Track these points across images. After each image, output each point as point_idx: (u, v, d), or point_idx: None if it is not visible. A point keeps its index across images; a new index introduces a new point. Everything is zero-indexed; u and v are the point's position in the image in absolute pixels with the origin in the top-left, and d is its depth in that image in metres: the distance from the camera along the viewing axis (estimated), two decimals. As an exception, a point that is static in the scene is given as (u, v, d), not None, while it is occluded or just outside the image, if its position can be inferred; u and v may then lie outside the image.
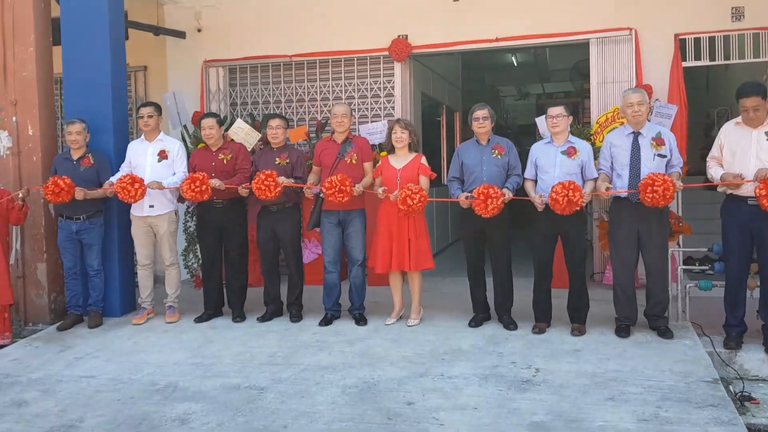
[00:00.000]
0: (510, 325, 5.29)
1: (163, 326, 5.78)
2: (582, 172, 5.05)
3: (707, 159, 5.05)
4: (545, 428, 3.62)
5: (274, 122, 5.79)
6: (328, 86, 7.65)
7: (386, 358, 4.76)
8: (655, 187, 4.66)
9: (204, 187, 5.45)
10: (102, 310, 5.87)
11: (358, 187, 5.34)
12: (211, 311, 6.01)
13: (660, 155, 4.93)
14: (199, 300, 6.28)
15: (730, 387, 4.52)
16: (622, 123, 6.49)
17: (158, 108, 5.97)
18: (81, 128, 5.62)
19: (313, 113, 7.67)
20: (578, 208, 4.84)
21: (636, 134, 4.99)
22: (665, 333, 4.96)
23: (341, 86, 7.62)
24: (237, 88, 7.91)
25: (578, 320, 5.11)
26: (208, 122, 5.86)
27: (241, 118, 7.53)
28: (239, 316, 5.93)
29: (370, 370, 4.53)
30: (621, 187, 4.96)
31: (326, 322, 5.56)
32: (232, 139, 6.83)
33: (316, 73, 7.70)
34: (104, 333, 5.64)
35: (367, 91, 7.55)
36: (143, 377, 4.58)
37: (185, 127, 7.28)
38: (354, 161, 5.48)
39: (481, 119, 5.25)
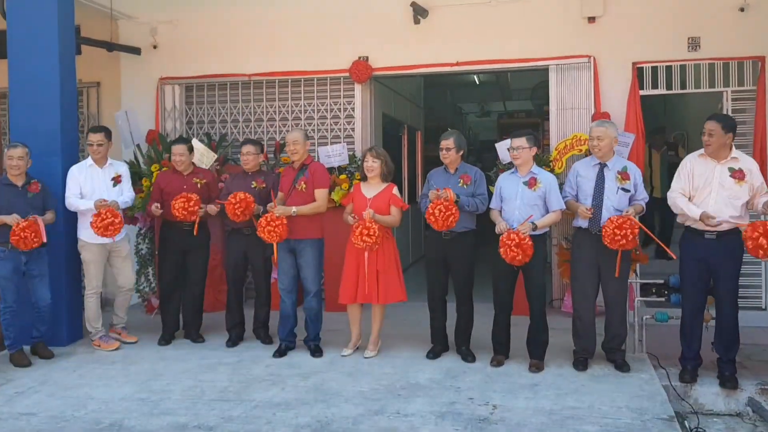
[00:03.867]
0: (468, 356, 5.21)
1: (111, 357, 5.57)
2: (545, 203, 5.00)
3: (670, 191, 5.00)
4: (502, 472, 3.55)
5: (245, 148, 5.72)
6: (287, 106, 7.52)
7: (341, 393, 4.63)
8: (624, 234, 4.65)
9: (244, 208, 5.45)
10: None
11: (286, 210, 5.24)
12: (170, 335, 5.92)
13: (624, 189, 4.92)
14: (149, 325, 6.12)
15: (686, 422, 4.52)
16: (581, 150, 6.55)
17: (109, 133, 5.79)
18: (24, 153, 5.33)
19: (272, 133, 7.52)
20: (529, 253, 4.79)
21: (602, 166, 4.98)
22: (622, 366, 4.95)
23: (300, 107, 7.49)
24: (193, 107, 7.73)
25: (536, 356, 5.06)
26: (178, 149, 5.82)
27: (197, 137, 7.37)
28: (200, 338, 5.92)
29: (324, 407, 4.40)
30: (583, 219, 4.94)
31: (280, 353, 5.42)
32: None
33: (274, 93, 7.56)
34: (48, 364, 5.40)
35: (326, 112, 7.44)
36: (87, 414, 4.37)
37: (138, 146, 7.08)
38: (303, 189, 5.35)
39: (444, 150, 5.19)
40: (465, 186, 5.16)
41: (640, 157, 6.63)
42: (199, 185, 5.75)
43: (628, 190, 4.92)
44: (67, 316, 5.83)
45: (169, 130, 7.56)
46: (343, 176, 6.82)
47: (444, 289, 5.35)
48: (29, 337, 5.52)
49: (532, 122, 12.27)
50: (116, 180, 5.65)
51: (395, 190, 5.32)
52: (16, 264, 5.30)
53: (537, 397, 4.49)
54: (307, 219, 5.36)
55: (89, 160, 5.68)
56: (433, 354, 5.30)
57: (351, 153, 7.03)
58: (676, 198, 4.88)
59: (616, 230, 4.67)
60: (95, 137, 5.65)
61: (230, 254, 5.82)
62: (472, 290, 5.32)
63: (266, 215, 5.25)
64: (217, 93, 7.69)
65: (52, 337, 5.66)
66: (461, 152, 5.20)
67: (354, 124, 7.38)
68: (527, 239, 4.74)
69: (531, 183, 4.97)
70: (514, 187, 5.05)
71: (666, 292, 5.43)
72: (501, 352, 5.17)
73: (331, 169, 6.88)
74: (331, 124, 7.44)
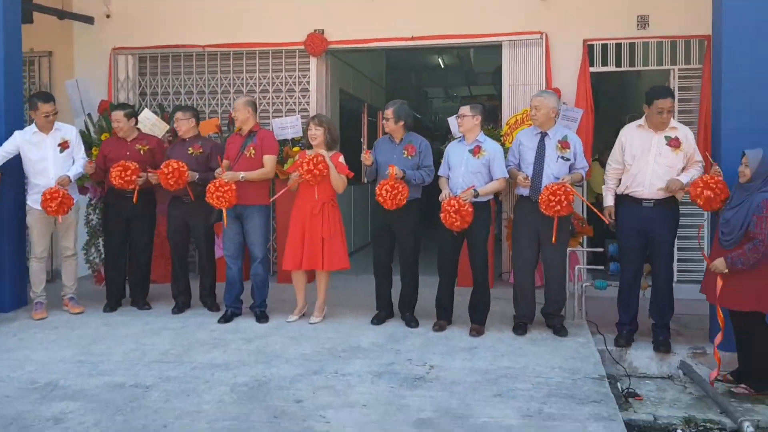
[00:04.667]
0: (411, 322, 5.28)
1: (54, 322, 5.53)
2: (489, 171, 5.06)
3: (608, 164, 5.15)
4: (431, 425, 3.61)
5: (179, 114, 5.70)
6: (242, 79, 7.48)
7: (282, 355, 4.67)
8: (558, 200, 4.74)
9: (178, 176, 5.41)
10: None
11: (234, 175, 5.25)
12: (114, 302, 5.90)
13: (563, 157, 5.01)
14: (99, 296, 6.08)
15: (618, 384, 4.64)
16: (531, 125, 6.62)
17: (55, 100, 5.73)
18: None
19: (226, 106, 7.48)
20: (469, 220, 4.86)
21: (543, 135, 5.06)
22: (560, 331, 5.05)
23: (255, 79, 7.46)
24: (147, 78, 7.65)
25: (477, 321, 5.14)
26: (116, 115, 5.81)
27: (150, 108, 7.30)
28: (146, 305, 5.91)
29: (264, 368, 4.44)
30: (524, 186, 5.02)
31: (225, 319, 5.43)
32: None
33: (229, 65, 7.52)
34: (-11, 329, 5.36)
35: (281, 85, 7.42)
36: (23, 375, 4.34)
37: (89, 115, 7.00)
38: (252, 155, 5.36)
39: (384, 119, 5.23)
40: (410, 157, 5.20)
41: (589, 131, 6.74)
42: (142, 152, 5.72)
43: (568, 159, 5.02)
44: (11, 281, 5.77)
45: (122, 101, 7.47)
46: (296, 148, 6.82)
47: (389, 257, 5.40)
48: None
49: (495, 104, 12.35)
50: (63, 146, 5.58)
51: (341, 158, 5.34)
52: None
53: (474, 359, 4.58)
54: (254, 185, 5.37)
55: (33, 127, 5.58)
56: (378, 320, 5.36)
57: (305, 126, 7.01)
58: (607, 175, 5.04)
59: (551, 196, 4.76)
60: (49, 107, 5.52)
61: (171, 222, 5.79)
62: (417, 258, 5.37)
63: (214, 181, 5.24)
64: (171, 64, 7.62)
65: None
66: (401, 123, 5.23)
67: (309, 97, 7.38)
68: (467, 206, 4.81)
69: (475, 151, 5.04)
70: (460, 155, 5.11)
71: (606, 261, 5.54)
72: (443, 317, 5.25)
73: (284, 141, 6.90)
74: (286, 98, 7.42)
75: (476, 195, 4.92)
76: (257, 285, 5.49)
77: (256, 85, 7.47)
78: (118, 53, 7.56)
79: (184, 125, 5.66)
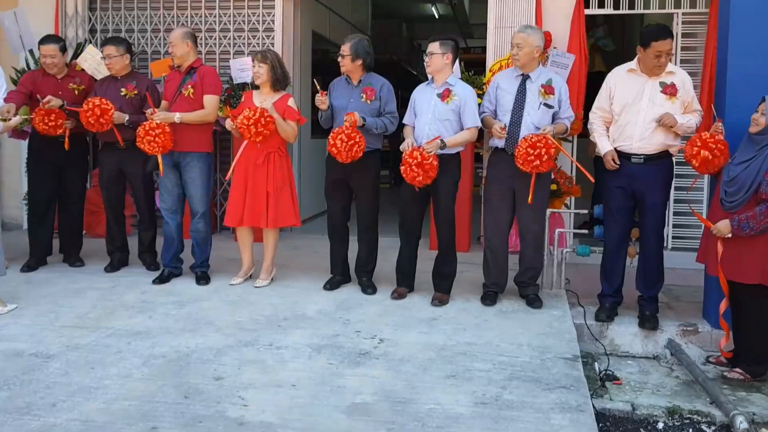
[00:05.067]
0: (368, 288, 4.70)
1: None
2: (460, 119, 4.42)
3: (592, 112, 4.49)
4: (365, 411, 3.05)
5: (110, 49, 5.01)
6: (200, 15, 6.78)
7: (215, 323, 4.10)
8: (537, 154, 4.10)
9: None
10: None
11: (168, 116, 4.65)
12: (36, 260, 5.28)
13: (546, 104, 4.35)
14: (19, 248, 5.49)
15: (596, 364, 4.07)
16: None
17: None
18: None
19: (183, 45, 6.78)
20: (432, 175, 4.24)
21: (524, 77, 4.40)
22: (533, 302, 4.47)
23: (215, 16, 6.76)
24: (97, 13, 6.95)
25: (442, 288, 4.55)
26: (48, 49, 5.11)
27: (100, 47, 6.63)
28: (78, 261, 5.34)
29: (190, 336, 3.87)
30: (500, 137, 4.37)
31: (161, 279, 4.85)
32: (82, 69, 6.00)
33: (187, 1, 6.81)
34: None
35: (243, 23, 6.72)
36: None
37: (30, 52, 6.32)
38: (191, 94, 4.71)
39: (339, 56, 4.57)
40: (369, 101, 4.54)
41: (582, 80, 6.05)
42: (76, 92, 5.09)
43: (551, 106, 4.36)
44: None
45: (70, 38, 6.79)
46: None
47: (345, 215, 4.79)
48: None
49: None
50: None
51: (291, 101, 4.70)
52: None
53: (432, 332, 4.00)
54: (193, 129, 4.74)
55: None
56: (330, 285, 4.77)
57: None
58: (594, 123, 4.37)
59: (529, 149, 4.12)
60: None
61: (104, 171, 5.18)
62: (376, 217, 4.76)
63: (145, 123, 4.61)
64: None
65: None
66: (359, 61, 4.56)
67: (274, 38, 6.68)
68: (431, 159, 4.18)
69: (444, 95, 4.38)
70: (427, 100, 4.46)
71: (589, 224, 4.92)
72: (403, 284, 4.66)
73: (244, 85, 6.24)
74: (248, 38, 6.72)
75: (443, 146, 4.28)
76: (197, 243, 4.89)
77: (215, 23, 6.76)
78: (65, -16, 6.85)
79: (118, 63, 5.01)
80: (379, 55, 11.14)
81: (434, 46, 4.39)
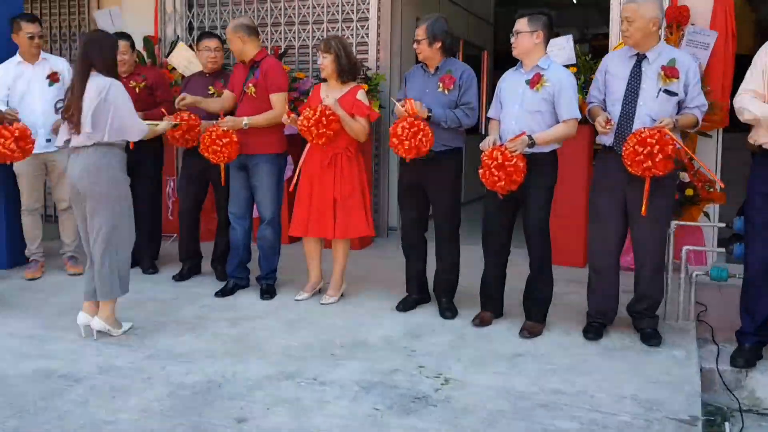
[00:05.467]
0: (447, 312, 4.02)
1: (43, 284, 4.84)
2: (554, 110, 3.63)
3: (739, 94, 3.48)
4: (401, 482, 2.41)
5: (204, 43, 4.75)
6: (294, 7, 6.37)
7: (262, 347, 3.61)
8: (648, 152, 3.24)
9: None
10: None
11: (235, 122, 4.21)
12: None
13: (668, 91, 3.45)
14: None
15: (726, 424, 3.15)
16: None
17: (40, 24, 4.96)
18: None
19: (276, 40, 6.43)
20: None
21: (640, 58, 3.54)
22: (650, 338, 3.58)
23: (308, 7, 6.32)
24: (194, 10, 6.76)
25: (534, 317, 3.78)
26: (123, 46, 4.82)
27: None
28: (151, 268, 5.08)
29: (230, 363, 3.40)
30: (604, 132, 3.53)
31: (224, 292, 4.45)
32: (173, 68, 5.82)
33: (281, -7, 6.45)
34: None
35: (337, 13, 6.24)
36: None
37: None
38: (253, 93, 4.27)
39: (414, 42, 3.92)
40: (446, 91, 3.86)
41: (728, 63, 4.99)
42: (137, 89, 4.83)
43: (675, 93, 3.45)
44: (6, 238, 5.13)
45: (169, 36, 6.68)
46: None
47: (421, 225, 4.15)
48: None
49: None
50: (52, 78, 4.81)
51: (361, 94, 4.13)
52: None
53: (511, 373, 3.27)
54: (260, 130, 4.28)
55: (17, 57, 4.84)
56: (404, 305, 4.14)
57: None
58: (743, 101, 3.37)
59: (637, 147, 3.26)
60: (33, 27, 4.79)
61: (184, 174, 4.92)
62: (457, 227, 4.08)
63: (211, 129, 4.23)
64: (217, -6, 6.68)
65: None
66: (437, 44, 3.88)
67: (368, 29, 6.14)
68: (515, 159, 3.43)
69: (534, 81, 3.61)
70: (514, 88, 3.71)
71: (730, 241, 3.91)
72: (488, 308, 3.94)
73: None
74: (342, 29, 6.23)
75: (531, 144, 3.52)
76: (264, 252, 4.43)
77: (309, 15, 6.33)
78: (165, -18, 6.73)
79: (221, 58, 4.82)
80: (504, 46, 10.38)
81: (521, 24, 3.63)
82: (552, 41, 5.09)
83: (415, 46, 3.93)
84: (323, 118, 3.91)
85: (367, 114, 4.10)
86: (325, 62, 4.08)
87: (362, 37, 6.13)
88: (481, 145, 3.63)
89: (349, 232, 4.16)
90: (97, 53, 3.60)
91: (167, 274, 5.00)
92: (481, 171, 3.54)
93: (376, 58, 6.10)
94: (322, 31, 6.27)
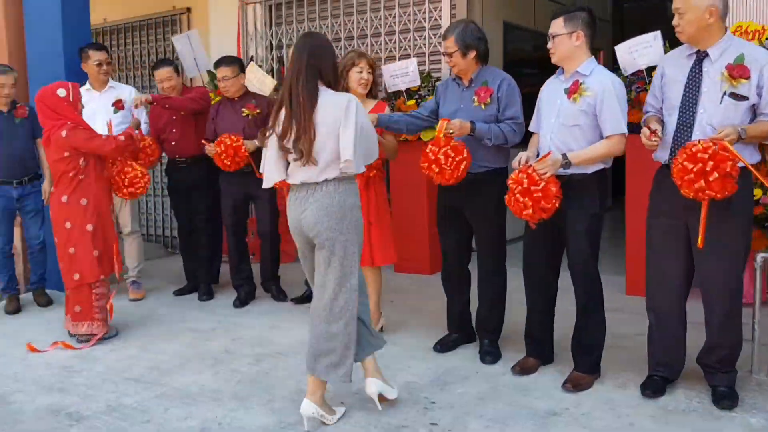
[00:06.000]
0: (487, 356, 3.54)
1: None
2: (596, 123, 3.07)
3: None
4: None
5: (220, 71, 4.74)
6: (366, 20, 6.10)
7: (274, 390, 3.35)
8: (700, 169, 2.62)
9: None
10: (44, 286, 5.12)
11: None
12: (191, 286, 5.23)
13: (735, 95, 2.79)
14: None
15: None
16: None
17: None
18: (13, 78, 4.79)
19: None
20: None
21: (700, 56, 2.91)
22: (721, 399, 2.91)
23: (379, 18, 6.02)
24: (273, 28, 6.70)
25: (581, 366, 3.22)
26: (161, 73, 4.97)
27: (282, 62, 6.42)
28: (206, 294, 5.05)
29: (232, 408, 3.18)
30: (651, 147, 2.93)
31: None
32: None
33: (352, 4, 6.19)
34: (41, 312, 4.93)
35: (409, 23, 5.88)
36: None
37: (209, 73, 6.27)
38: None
39: (446, 56, 3.49)
40: (483, 106, 3.40)
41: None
42: (250, 117, 4.76)
43: (744, 97, 2.77)
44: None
45: (252, 55, 6.68)
46: (411, 102, 5.31)
47: (463, 254, 3.70)
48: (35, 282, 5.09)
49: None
50: (117, 105, 4.89)
51: (387, 110, 3.78)
52: (7, 201, 4.81)
53: (537, 438, 2.76)
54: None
55: (87, 85, 5.00)
56: (441, 346, 3.71)
57: (422, 71, 5.46)
58: None
59: (686, 163, 2.64)
60: (100, 55, 4.95)
61: (227, 197, 4.81)
62: (502, 258, 3.59)
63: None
64: (294, 12, 6.55)
65: (58, 281, 5.12)
66: (472, 53, 3.43)
67: (440, 36, 5.72)
68: (543, 183, 2.91)
69: (572, 90, 3.07)
70: (552, 99, 3.19)
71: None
72: (533, 353, 3.42)
73: (398, 93, 5.43)
74: (414, 38, 5.88)
75: (566, 164, 2.98)
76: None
77: (381, 26, 6.03)
78: (246, 3, 6.74)
79: (232, 85, 4.75)
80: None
81: (557, 25, 3.10)
82: (637, 39, 4.46)
83: (447, 60, 3.50)
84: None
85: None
86: (371, 78, 3.81)
87: (434, 46, 5.74)
88: (512, 163, 3.14)
89: (386, 258, 3.83)
90: (326, 62, 2.85)
91: (219, 303, 4.93)
92: (506, 197, 3.05)
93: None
94: (394, 42, 5.95)
